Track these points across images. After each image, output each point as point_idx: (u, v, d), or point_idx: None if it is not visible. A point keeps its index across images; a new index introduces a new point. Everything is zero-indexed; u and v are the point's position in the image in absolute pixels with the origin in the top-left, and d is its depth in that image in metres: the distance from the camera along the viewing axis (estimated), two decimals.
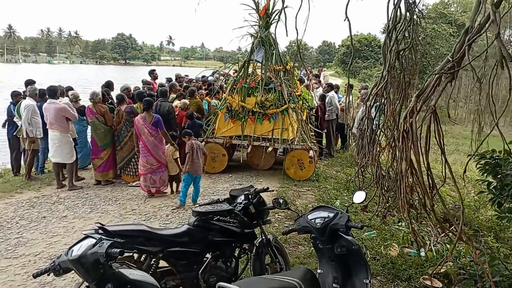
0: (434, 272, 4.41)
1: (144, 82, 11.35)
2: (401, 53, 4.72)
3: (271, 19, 8.66)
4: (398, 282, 4.58)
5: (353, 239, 2.95)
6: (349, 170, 9.47)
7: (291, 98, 8.58)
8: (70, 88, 8.98)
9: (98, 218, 6.06)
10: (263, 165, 8.91)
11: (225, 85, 10.19)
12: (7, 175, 8.59)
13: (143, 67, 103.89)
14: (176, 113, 8.65)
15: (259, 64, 8.73)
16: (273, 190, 5.83)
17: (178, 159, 7.33)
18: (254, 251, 3.63)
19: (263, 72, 8.56)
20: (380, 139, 5.44)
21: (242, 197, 3.64)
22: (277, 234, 5.03)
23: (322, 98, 10.66)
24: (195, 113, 8.77)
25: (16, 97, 8.20)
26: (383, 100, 5.08)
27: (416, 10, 4.61)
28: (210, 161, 8.51)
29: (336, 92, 11.47)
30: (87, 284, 2.41)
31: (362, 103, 9.44)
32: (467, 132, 20.73)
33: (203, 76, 13.46)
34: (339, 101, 11.14)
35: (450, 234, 6.16)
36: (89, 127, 7.99)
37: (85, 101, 8.48)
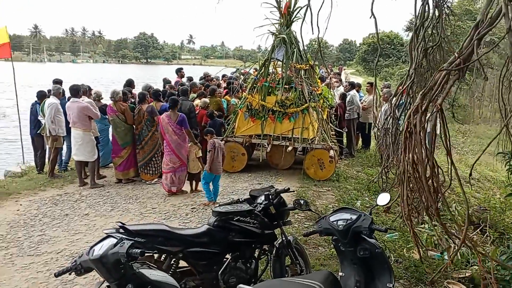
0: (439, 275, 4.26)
1: (166, 81, 11.41)
2: (428, 50, 4.56)
3: (293, 17, 8.59)
4: (422, 285, 4.47)
5: (376, 242, 2.88)
6: (370, 170, 9.33)
7: (311, 97, 8.49)
8: (89, 88, 9.09)
9: (119, 217, 6.12)
10: (282, 165, 8.85)
11: (244, 84, 10.17)
12: (31, 173, 8.77)
13: (164, 66, 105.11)
14: (197, 112, 8.67)
15: (279, 63, 8.68)
16: (293, 191, 5.76)
17: (201, 157, 7.36)
18: (274, 252, 3.59)
19: (283, 70, 8.50)
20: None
21: (263, 197, 3.60)
22: (297, 235, 4.97)
23: (343, 97, 10.52)
24: (216, 112, 8.77)
25: (42, 97, 8.35)
26: (409, 99, 4.95)
27: (445, 6, 4.46)
28: (230, 160, 8.51)
29: (357, 91, 11.31)
30: (108, 283, 2.42)
31: (384, 102, 9.27)
32: (491, 132, 20.22)
33: (223, 75, 13.47)
34: (360, 100, 10.98)
35: (475, 237, 6.00)
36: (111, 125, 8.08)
37: (106, 100, 8.58)
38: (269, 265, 3.64)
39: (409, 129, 3.85)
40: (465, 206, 3.96)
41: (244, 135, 8.59)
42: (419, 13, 4.45)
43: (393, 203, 5.75)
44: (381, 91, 10.76)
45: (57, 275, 2.52)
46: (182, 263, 3.22)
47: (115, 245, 2.34)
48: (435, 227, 5.75)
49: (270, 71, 8.72)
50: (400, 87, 5.10)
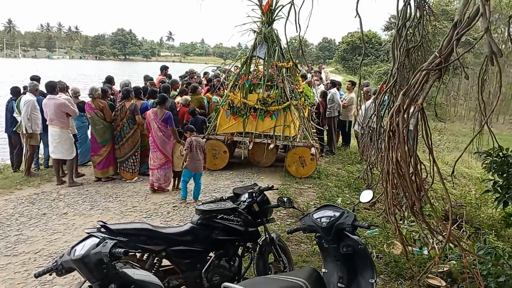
0: (427, 271, 4.36)
1: (147, 78, 11.26)
2: (410, 50, 4.64)
3: (274, 15, 8.59)
4: (402, 280, 4.55)
5: (359, 238, 2.92)
6: (350, 167, 9.44)
7: (293, 95, 8.53)
8: (66, 86, 8.87)
9: (99, 216, 6.01)
10: (264, 162, 8.87)
11: (226, 82, 10.13)
12: (7, 171, 8.54)
13: (142, 62, 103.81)
14: (178, 109, 8.60)
15: (261, 61, 8.68)
16: (277, 189, 5.79)
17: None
18: (257, 249, 3.59)
19: (265, 68, 8.51)
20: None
21: (246, 195, 3.60)
22: (280, 232, 5.00)
23: (324, 95, 10.60)
24: (197, 109, 8.71)
25: (17, 94, 8.13)
26: (392, 98, 5.02)
27: (426, 7, 4.54)
28: (211, 158, 8.47)
29: (338, 89, 11.42)
30: (89, 283, 2.37)
31: (364, 100, 9.38)
32: (466, 130, 20.74)
33: (205, 73, 13.40)
34: (340, 98, 11.09)
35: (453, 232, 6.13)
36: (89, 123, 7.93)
37: (84, 97, 8.41)
38: (252, 262, 3.64)
39: (391, 128, 3.90)
40: (448, 203, 4.04)
41: (226, 133, 8.57)
42: (401, 13, 4.52)
43: (377, 199, 5.83)
44: (362, 90, 10.89)
45: (37, 275, 2.45)
46: (165, 262, 3.19)
47: (97, 244, 2.30)
48: (413, 224, 5.87)
49: (252, 69, 8.72)
50: (384, 86, 5.17)
